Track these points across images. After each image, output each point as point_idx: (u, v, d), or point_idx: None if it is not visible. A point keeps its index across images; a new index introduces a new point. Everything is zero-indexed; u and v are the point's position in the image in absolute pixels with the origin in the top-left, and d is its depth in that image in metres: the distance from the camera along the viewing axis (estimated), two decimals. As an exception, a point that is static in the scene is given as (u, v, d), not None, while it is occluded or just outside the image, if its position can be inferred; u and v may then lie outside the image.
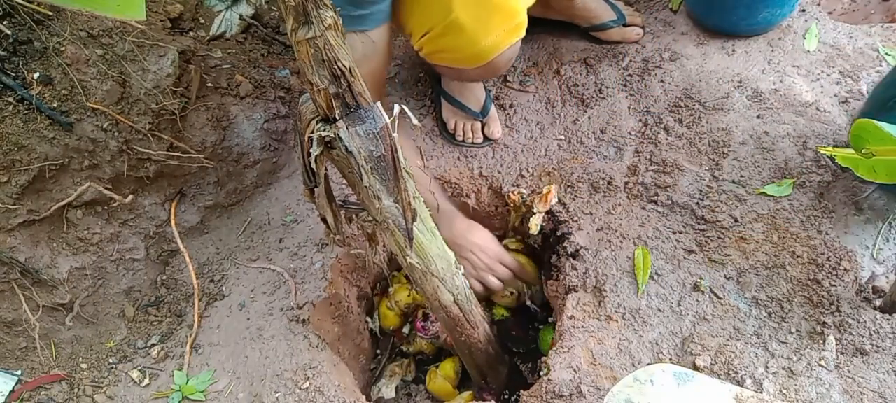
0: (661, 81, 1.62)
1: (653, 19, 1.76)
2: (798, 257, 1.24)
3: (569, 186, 1.48)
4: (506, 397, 1.50)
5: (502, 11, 1.12)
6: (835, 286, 1.18)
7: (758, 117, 1.48)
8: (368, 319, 1.65)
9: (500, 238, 1.70)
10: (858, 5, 1.69)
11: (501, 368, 1.50)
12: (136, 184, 1.52)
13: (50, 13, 1.31)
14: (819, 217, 1.29)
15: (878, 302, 1.16)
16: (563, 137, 1.60)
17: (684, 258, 1.30)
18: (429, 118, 1.70)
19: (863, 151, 0.93)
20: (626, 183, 1.46)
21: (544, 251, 1.56)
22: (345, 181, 1.38)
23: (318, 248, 1.53)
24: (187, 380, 1.36)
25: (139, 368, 1.42)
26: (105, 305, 1.51)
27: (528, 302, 1.58)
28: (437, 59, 1.23)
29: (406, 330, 1.66)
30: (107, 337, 1.49)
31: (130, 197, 1.51)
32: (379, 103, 1.11)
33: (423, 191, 1.27)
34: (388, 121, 0.85)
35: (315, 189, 0.98)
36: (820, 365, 1.10)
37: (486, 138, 1.62)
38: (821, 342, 1.13)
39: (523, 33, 1.18)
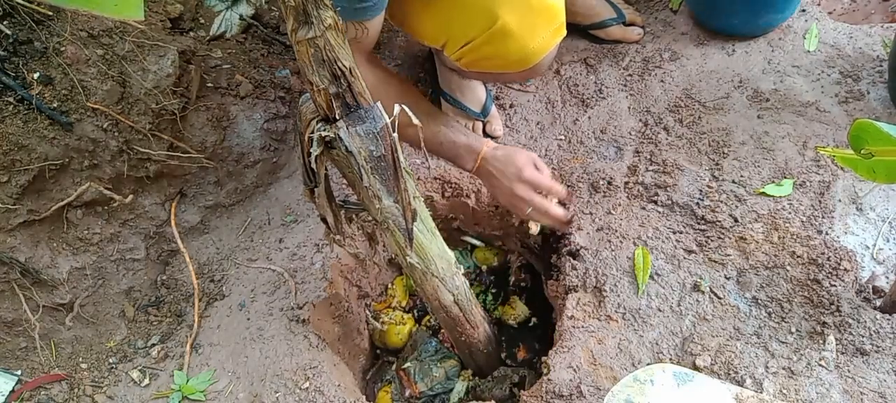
0: (661, 81, 1.62)
1: (653, 19, 1.76)
2: (798, 257, 1.24)
3: (569, 186, 1.48)
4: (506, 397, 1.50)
5: (545, 13, 1.13)
6: (835, 286, 1.18)
7: (758, 117, 1.48)
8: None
9: (500, 239, 1.70)
10: (858, 5, 1.69)
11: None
12: (136, 184, 1.52)
13: (50, 13, 1.31)
14: (819, 217, 1.29)
15: (878, 302, 1.16)
16: (563, 137, 1.60)
17: (684, 258, 1.30)
18: (429, 118, 1.70)
19: (862, 151, 0.93)
20: (626, 183, 1.46)
21: (544, 251, 1.56)
22: (345, 181, 1.38)
23: (318, 248, 1.53)
24: (187, 380, 1.36)
25: (139, 368, 1.42)
26: (105, 305, 1.51)
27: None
28: (478, 66, 1.22)
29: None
30: (107, 337, 1.49)
31: (130, 197, 1.51)
32: (359, 64, 1.13)
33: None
34: (388, 120, 0.85)
35: (315, 189, 0.98)
36: (820, 365, 1.10)
37: (487, 136, 1.62)
38: (821, 342, 1.13)
39: (565, 32, 1.19)
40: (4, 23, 1.28)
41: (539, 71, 1.26)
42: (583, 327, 1.24)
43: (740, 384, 1.09)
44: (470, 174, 1.33)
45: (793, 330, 1.16)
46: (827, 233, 1.26)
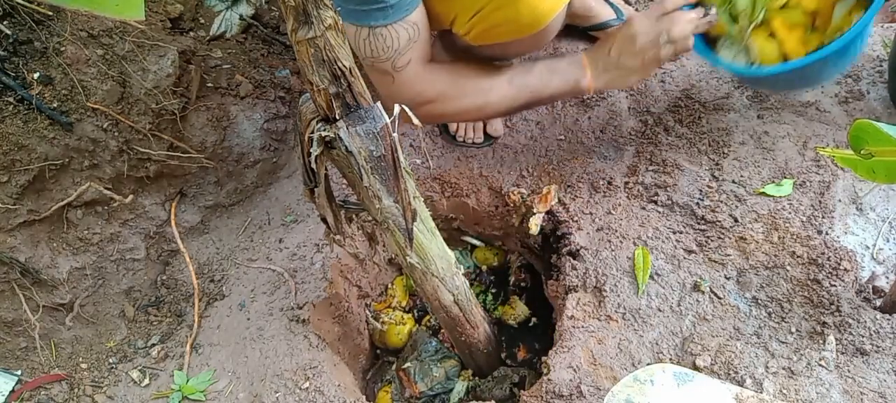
0: (661, 81, 1.62)
1: (653, 19, 1.76)
2: (798, 257, 1.24)
3: (569, 186, 1.48)
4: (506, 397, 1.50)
5: None
6: (835, 286, 1.18)
7: (758, 117, 1.48)
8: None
9: (500, 239, 1.70)
10: (858, 5, 1.69)
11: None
12: (136, 184, 1.53)
13: (50, 13, 1.31)
14: (819, 217, 1.29)
15: (878, 302, 1.16)
16: (563, 137, 1.60)
17: (684, 258, 1.30)
18: (429, 118, 1.70)
19: (862, 152, 0.93)
20: (626, 183, 1.46)
21: (544, 251, 1.56)
22: (345, 181, 1.38)
23: (318, 248, 1.53)
24: (187, 380, 1.36)
25: (139, 368, 1.42)
26: (105, 305, 1.51)
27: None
28: (488, 36, 1.21)
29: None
30: (107, 337, 1.49)
31: (130, 197, 1.51)
32: (425, 70, 1.13)
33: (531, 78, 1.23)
34: (388, 120, 0.85)
35: (315, 189, 0.98)
36: (820, 365, 1.10)
37: (488, 136, 1.62)
38: (821, 342, 1.13)
39: None
40: (4, 23, 1.29)
41: (548, 35, 1.26)
42: (583, 327, 1.24)
43: (740, 384, 1.09)
44: (589, 90, 1.26)
45: (793, 329, 1.16)
46: (827, 233, 1.26)
